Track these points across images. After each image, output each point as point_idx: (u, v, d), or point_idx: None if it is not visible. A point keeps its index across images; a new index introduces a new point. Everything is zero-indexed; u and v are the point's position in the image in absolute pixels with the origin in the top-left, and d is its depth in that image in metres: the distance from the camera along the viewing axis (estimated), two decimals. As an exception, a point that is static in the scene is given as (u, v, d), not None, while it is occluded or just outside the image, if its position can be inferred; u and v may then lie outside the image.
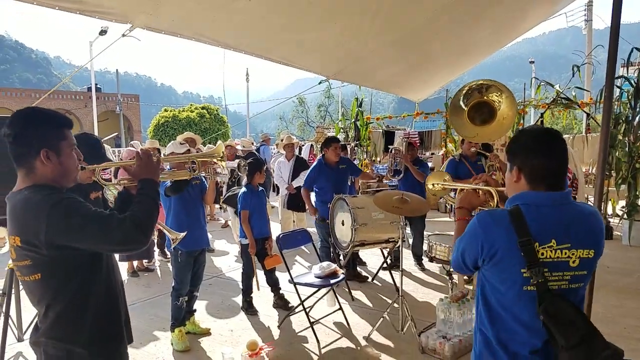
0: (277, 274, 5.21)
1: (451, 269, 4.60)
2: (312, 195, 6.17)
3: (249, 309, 5.10)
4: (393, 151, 6.62)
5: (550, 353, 1.60)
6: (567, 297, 1.62)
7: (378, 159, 12.44)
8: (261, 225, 5.08)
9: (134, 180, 2.04)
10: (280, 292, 5.25)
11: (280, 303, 5.21)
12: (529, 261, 1.57)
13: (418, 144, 12.37)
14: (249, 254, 4.99)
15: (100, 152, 3.28)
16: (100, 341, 1.85)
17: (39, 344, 1.81)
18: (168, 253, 6.95)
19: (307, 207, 5.90)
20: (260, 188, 5.24)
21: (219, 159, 2.63)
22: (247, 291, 5.15)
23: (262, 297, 5.35)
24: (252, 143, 11.84)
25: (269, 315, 5.04)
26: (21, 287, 1.86)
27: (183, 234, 3.52)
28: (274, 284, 5.23)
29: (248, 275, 5.13)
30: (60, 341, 1.78)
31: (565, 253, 1.61)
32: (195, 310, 4.66)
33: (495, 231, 1.64)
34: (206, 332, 4.59)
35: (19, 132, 1.75)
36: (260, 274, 5.15)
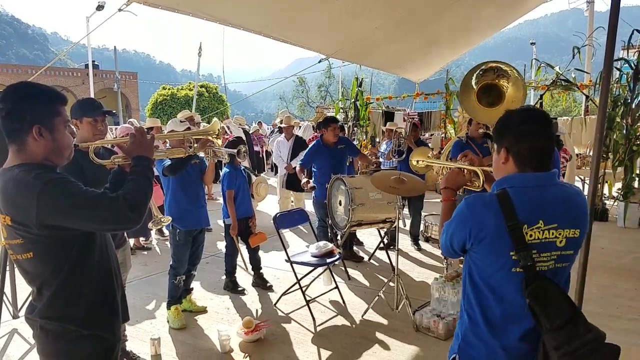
0: (274, 252, 5.25)
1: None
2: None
3: (234, 288, 5.14)
4: (396, 132, 6.62)
5: (538, 338, 1.62)
6: (555, 278, 1.64)
7: (378, 139, 12.41)
8: (245, 204, 5.09)
9: (128, 159, 2.02)
10: (260, 271, 5.30)
11: (259, 282, 5.27)
12: (517, 245, 1.58)
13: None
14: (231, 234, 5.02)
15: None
16: (95, 319, 1.85)
17: (34, 322, 1.81)
18: (166, 231, 6.98)
19: (301, 181, 5.88)
20: (243, 167, 5.25)
21: (214, 136, 2.62)
22: (231, 271, 5.20)
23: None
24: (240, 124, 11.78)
25: (265, 294, 5.09)
26: (15, 264, 1.86)
27: (168, 219, 3.52)
28: (255, 263, 5.28)
29: (231, 255, 5.17)
30: (55, 320, 1.78)
31: (553, 233, 1.62)
32: (192, 289, 4.70)
33: (484, 215, 1.64)
34: (202, 310, 4.64)
35: (12, 107, 1.72)
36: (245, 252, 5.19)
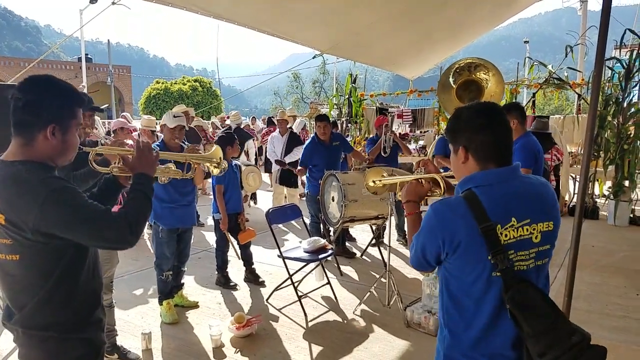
0: (267, 248, 5.25)
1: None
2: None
3: (226, 283, 5.14)
4: (384, 128, 6.60)
5: (523, 346, 1.54)
6: (535, 277, 1.58)
7: (371, 135, 12.41)
8: (235, 200, 5.07)
9: (127, 171, 1.96)
10: (252, 267, 5.30)
11: (251, 277, 5.27)
12: (493, 248, 1.49)
13: (411, 122, 12.38)
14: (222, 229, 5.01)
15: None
16: (81, 325, 1.77)
17: (14, 329, 1.73)
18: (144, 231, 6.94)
19: (304, 183, 5.92)
20: (234, 162, 5.24)
21: (215, 165, 2.55)
22: (222, 266, 5.19)
23: (251, 270, 5.39)
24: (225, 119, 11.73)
25: (256, 289, 5.09)
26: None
27: None
28: (247, 258, 5.28)
29: (222, 250, 5.16)
30: (40, 329, 1.70)
31: (527, 229, 1.55)
32: (183, 284, 4.70)
33: (454, 221, 1.54)
34: (194, 305, 4.63)
35: (32, 100, 1.63)
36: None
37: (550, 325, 1.45)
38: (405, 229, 6.68)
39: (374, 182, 2.50)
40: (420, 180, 2.02)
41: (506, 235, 1.52)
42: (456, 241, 1.53)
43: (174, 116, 4.31)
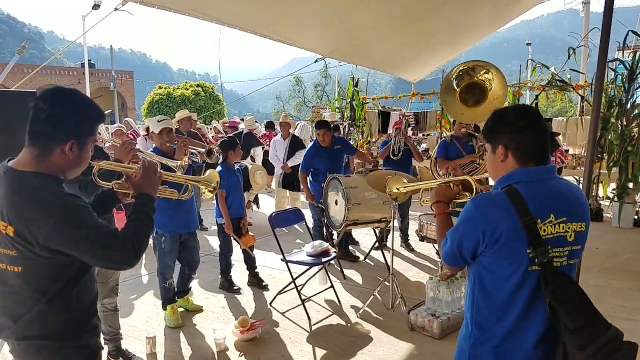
0: (270, 252, 5.24)
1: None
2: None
3: (230, 287, 5.14)
4: (395, 131, 6.59)
5: (553, 342, 1.57)
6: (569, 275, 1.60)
7: (373, 139, 12.42)
8: (237, 204, 5.06)
9: (127, 187, 1.97)
10: (255, 270, 5.30)
11: (254, 281, 5.27)
12: (534, 240, 1.53)
13: (414, 125, 12.37)
14: (226, 233, 5.00)
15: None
16: (79, 333, 1.75)
17: (9, 341, 1.72)
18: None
19: (303, 191, 5.92)
20: (237, 166, 5.23)
21: (211, 189, 2.54)
22: (226, 270, 5.19)
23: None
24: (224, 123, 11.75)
25: (260, 293, 5.09)
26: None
27: None
28: (250, 262, 5.27)
29: (226, 255, 5.16)
30: (35, 339, 1.68)
31: (563, 227, 1.59)
32: (190, 288, 4.70)
33: (496, 213, 1.58)
34: (198, 309, 4.64)
35: (56, 113, 1.62)
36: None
37: (589, 319, 1.48)
38: (408, 232, 6.72)
39: (397, 189, 2.52)
40: (449, 183, 2.06)
41: (544, 231, 1.56)
42: (497, 233, 1.57)
43: (158, 121, 4.25)
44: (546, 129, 1.69)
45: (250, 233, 5.14)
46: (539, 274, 1.55)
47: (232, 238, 5.07)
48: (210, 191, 2.53)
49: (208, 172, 2.60)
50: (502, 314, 1.63)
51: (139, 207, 1.81)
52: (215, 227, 5.38)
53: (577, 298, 1.52)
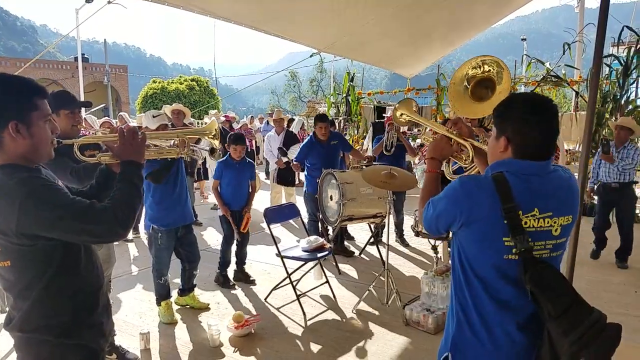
0: (265, 247, 5.23)
1: (436, 243, 4.67)
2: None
3: (225, 283, 5.13)
4: (388, 126, 6.57)
5: (536, 329, 1.57)
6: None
7: (368, 134, 12.41)
8: (238, 198, 5.07)
9: (116, 158, 1.90)
10: (244, 266, 5.30)
11: (241, 276, 5.27)
12: (513, 229, 1.52)
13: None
14: (226, 220, 5.02)
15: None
16: (77, 330, 1.73)
17: (12, 334, 1.72)
18: (140, 231, 6.98)
19: (292, 175, 5.94)
20: (248, 160, 5.22)
21: (211, 136, 2.49)
22: (224, 265, 5.17)
23: (249, 270, 5.37)
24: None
25: (255, 288, 5.08)
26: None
27: None
28: (241, 257, 5.27)
29: (227, 241, 5.14)
30: (33, 332, 1.68)
31: (548, 222, 1.58)
32: (195, 285, 4.63)
33: (479, 197, 1.57)
34: (205, 307, 4.56)
35: None
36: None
37: (571, 303, 1.48)
38: (403, 227, 6.72)
39: (401, 114, 2.46)
40: (450, 139, 2.01)
41: (525, 223, 1.55)
42: (475, 216, 1.57)
43: (153, 116, 4.17)
44: (557, 128, 1.63)
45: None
46: (519, 262, 1.55)
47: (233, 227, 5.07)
48: (212, 138, 2.49)
49: (212, 119, 2.59)
50: (483, 299, 1.63)
51: (121, 176, 1.78)
52: (208, 223, 5.36)
53: (558, 284, 1.51)
